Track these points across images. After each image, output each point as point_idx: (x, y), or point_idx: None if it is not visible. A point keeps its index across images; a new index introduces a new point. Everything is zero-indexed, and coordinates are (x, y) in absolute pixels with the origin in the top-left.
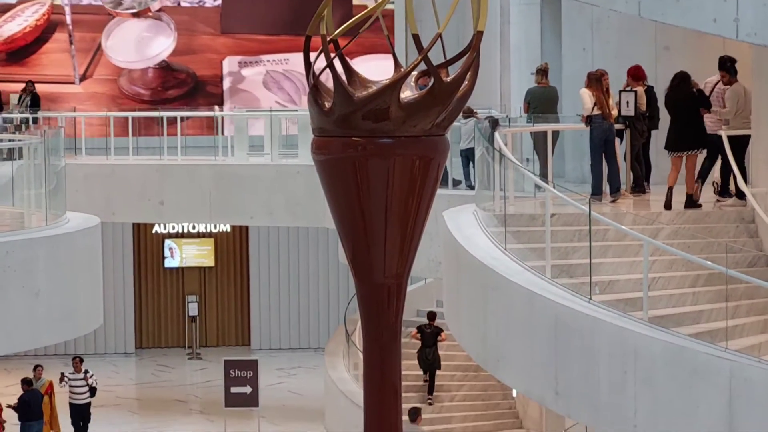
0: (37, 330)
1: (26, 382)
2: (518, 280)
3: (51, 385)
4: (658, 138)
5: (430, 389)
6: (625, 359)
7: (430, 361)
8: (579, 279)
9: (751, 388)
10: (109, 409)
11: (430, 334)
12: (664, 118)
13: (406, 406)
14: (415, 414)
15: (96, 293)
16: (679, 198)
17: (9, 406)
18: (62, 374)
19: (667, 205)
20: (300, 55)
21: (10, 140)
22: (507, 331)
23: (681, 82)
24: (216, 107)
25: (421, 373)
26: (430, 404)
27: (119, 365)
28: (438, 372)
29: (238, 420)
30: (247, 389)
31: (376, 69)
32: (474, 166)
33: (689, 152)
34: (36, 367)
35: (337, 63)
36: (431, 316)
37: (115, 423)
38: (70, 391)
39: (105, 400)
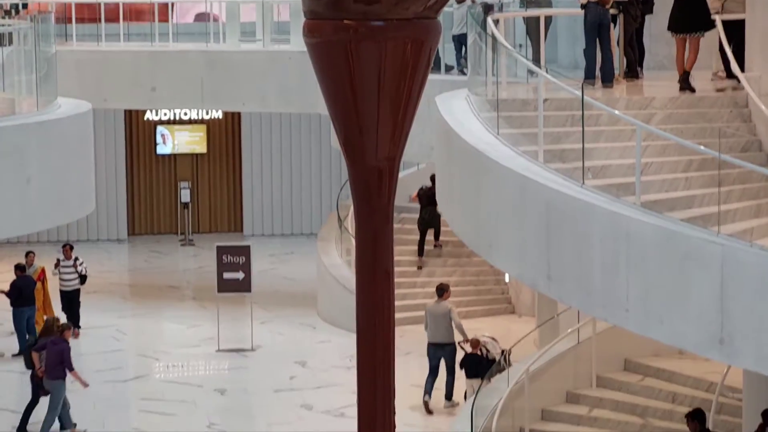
0: (29, 215)
1: (19, 268)
2: (511, 165)
3: (43, 271)
4: (652, 23)
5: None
6: (617, 244)
7: (426, 220)
8: (571, 164)
9: (743, 273)
10: (101, 296)
11: (426, 194)
12: (659, 2)
13: (398, 292)
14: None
15: (88, 179)
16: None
17: (1, 292)
18: (57, 260)
19: (683, 86)
20: None
21: None
22: (499, 216)
23: None
24: None
25: (415, 258)
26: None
27: (112, 252)
28: (428, 257)
29: (230, 306)
30: (240, 275)
31: None
32: (466, 52)
33: (693, 34)
34: (28, 253)
35: None
36: (433, 178)
37: (108, 309)
38: (60, 278)
39: (98, 287)
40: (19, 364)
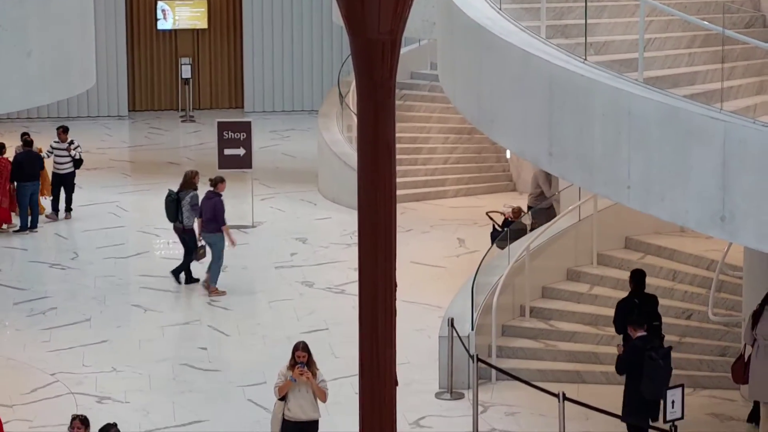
0: (30, 90)
1: (24, 143)
2: (513, 41)
3: (40, 151)
4: None
5: None
6: (619, 120)
7: None
8: (574, 39)
9: (745, 150)
10: (102, 172)
11: None
12: None
13: (399, 168)
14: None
15: (88, 53)
16: None
17: None
18: (50, 146)
19: None
20: None
21: None
22: (501, 91)
23: None
24: None
25: (417, 135)
26: None
27: (112, 128)
28: (431, 134)
29: (231, 182)
30: (241, 151)
31: None
32: None
33: None
34: (23, 134)
35: None
36: None
37: (108, 186)
38: (54, 161)
39: (98, 163)
40: (21, 240)
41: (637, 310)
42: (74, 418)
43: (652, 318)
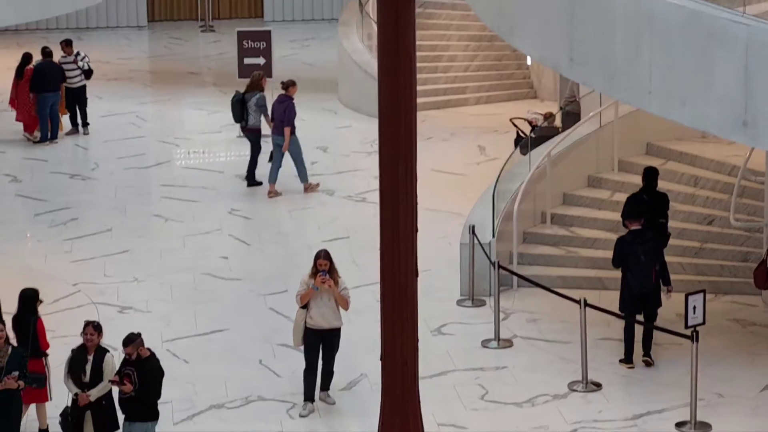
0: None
1: (44, 53)
2: None
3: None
4: None
5: None
6: (641, 24)
7: None
8: None
9: None
10: (121, 83)
11: None
12: None
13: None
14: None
15: None
16: None
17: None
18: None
19: None
20: None
21: None
22: None
23: None
24: None
25: (437, 43)
26: None
27: (132, 38)
28: (451, 41)
29: None
30: (261, 60)
31: None
32: None
33: None
34: (44, 48)
35: None
36: None
37: (128, 96)
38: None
39: (118, 74)
40: (42, 151)
41: (645, 206)
42: (87, 324)
43: (658, 215)
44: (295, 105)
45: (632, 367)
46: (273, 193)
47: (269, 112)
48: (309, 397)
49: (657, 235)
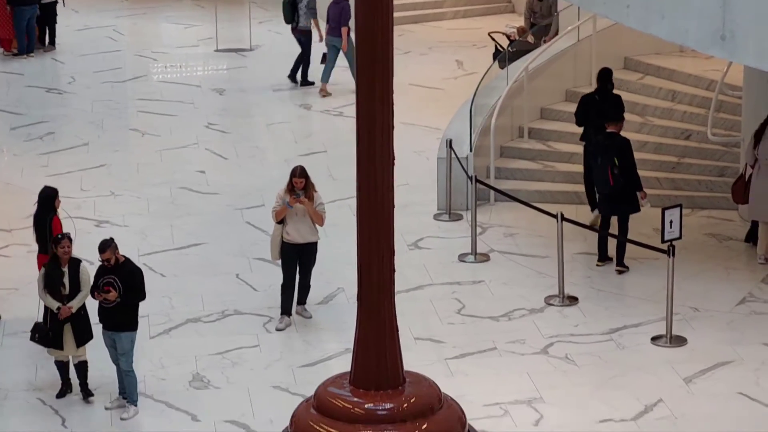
0: None
1: None
2: None
3: None
4: None
5: None
6: None
7: None
8: None
9: None
10: None
11: None
12: None
13: None
14: None
15: None
16: None
17: None
18: None
19: None
20: None
21: None
22: None
23: None
24: None
25: None
26: None
27: None
28: None
29: (228, 5)
30: None
31: None
32: None
33: None
34: None
35: None
36: None
37: (105, 9)
38: None
39: None
40: (18, 64)
41: (595, 107)
42: (63, 237)
43: (610, 118)
44: (350, 7)
45: (602, 265)
46: (324, 92)
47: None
48: (286, 310)
49: (610, 140)
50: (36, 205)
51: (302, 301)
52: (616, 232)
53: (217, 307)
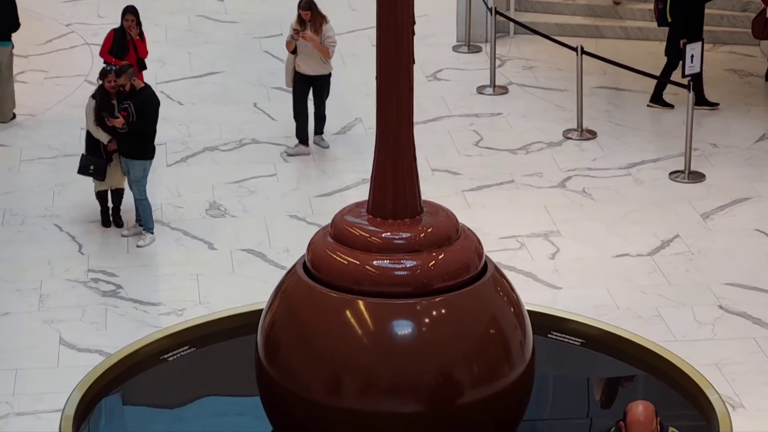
0: None
1: None
2: None
3: None
4: None
5: None
6: None
7: None
8: None
9: None
10: None
11: None
12: None
13: None
14: None
15: None
16: None
17: None
18: None
19: None
20: None
21: None
22: None
23: None
24: None
25: None
26: None
27: None
28: None
29: None
30: None
31: None
32: None
33: None
34: None
35: None
36: None
37: None
38: None
39: None
40: None
41: None
42: (109, 70)
43: None
44: None
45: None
46: None
47: None
48: (302, 139)
49: None
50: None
51: (319, 130)
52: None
53: (235, 136)
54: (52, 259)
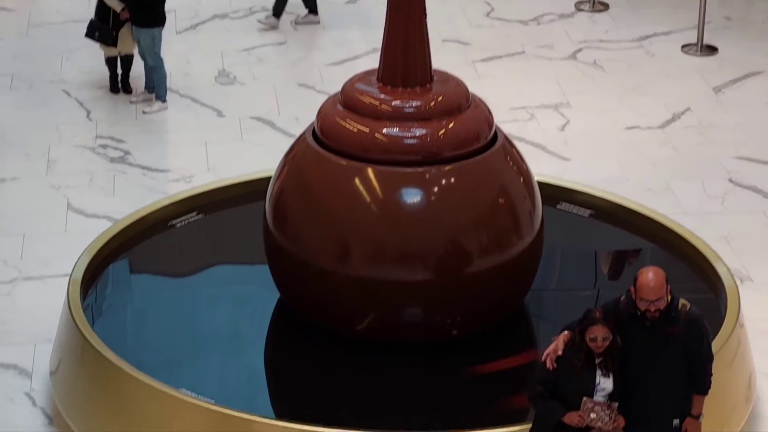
0: None
1: None
2: None
3: None
4: None
5: None
6: None
7: None
8: None
9: None
10: None
11: None
12: None
13: None
14: None
15: None
16: None
17: None
18: None
19: None
20: None
21: None
22: None
23: None
24: None
25: None
26: None
27: None
28: None
29: None
30: None
31: None
32: None
33: None
34: None
35: None
36: None
37: None
38: None
39: None
40: None
41: None
42: None
43: None
44: None
45: None
46: None
47: None
48: (312, 9)
49: None
50: None
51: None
52: None
53: (245, 3)
54: (60, 125)
